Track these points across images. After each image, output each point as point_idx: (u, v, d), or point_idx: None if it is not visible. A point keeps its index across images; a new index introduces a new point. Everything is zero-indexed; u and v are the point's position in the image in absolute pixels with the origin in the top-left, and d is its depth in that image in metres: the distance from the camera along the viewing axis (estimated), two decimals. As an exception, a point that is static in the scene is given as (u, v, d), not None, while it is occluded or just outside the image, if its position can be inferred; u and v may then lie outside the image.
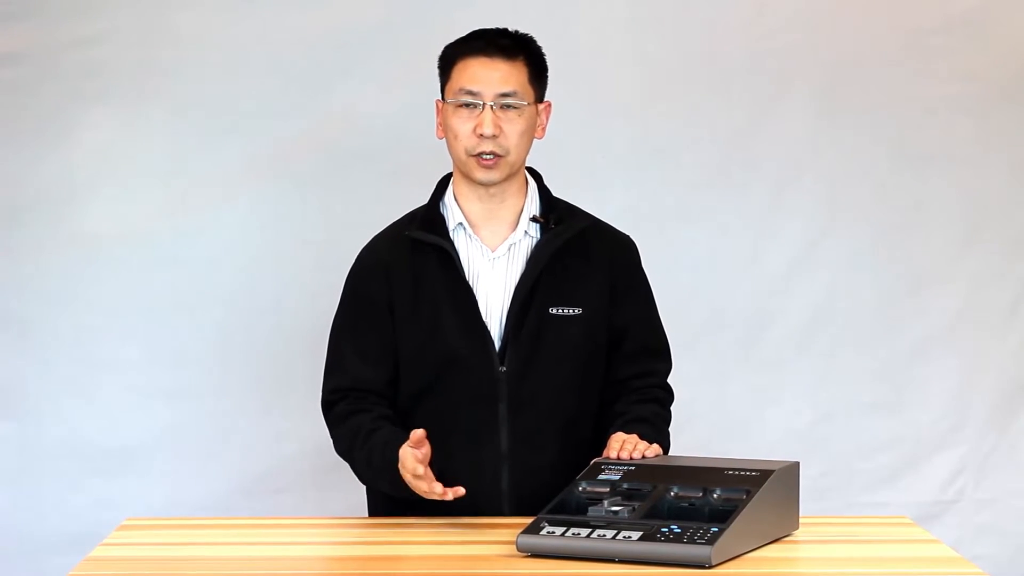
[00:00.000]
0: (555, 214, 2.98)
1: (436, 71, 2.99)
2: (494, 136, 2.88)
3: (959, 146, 4.24)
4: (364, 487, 3.07)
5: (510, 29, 2.96)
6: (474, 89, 2.89)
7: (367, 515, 3.04)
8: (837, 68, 4.20)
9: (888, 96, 4.22)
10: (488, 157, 2.89)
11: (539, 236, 2.97)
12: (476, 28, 2.98)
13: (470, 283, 2.92)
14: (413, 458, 2.71)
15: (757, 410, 4.24)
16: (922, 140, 4.23)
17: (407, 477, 2.74)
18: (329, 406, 2.99)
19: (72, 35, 4.07)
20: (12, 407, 4.11)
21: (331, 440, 3.01)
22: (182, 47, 4.09)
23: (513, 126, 2.90)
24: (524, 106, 2.91)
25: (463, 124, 2.90)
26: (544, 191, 3.02)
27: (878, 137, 4.23)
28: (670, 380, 3.07)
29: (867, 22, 4.20)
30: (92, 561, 2.55)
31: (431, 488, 2.70)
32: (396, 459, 2.77)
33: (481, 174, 2.91)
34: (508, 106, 2.89)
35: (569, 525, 2.52)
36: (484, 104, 2.88)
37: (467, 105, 2.89)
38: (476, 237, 2.96)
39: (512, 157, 2.92)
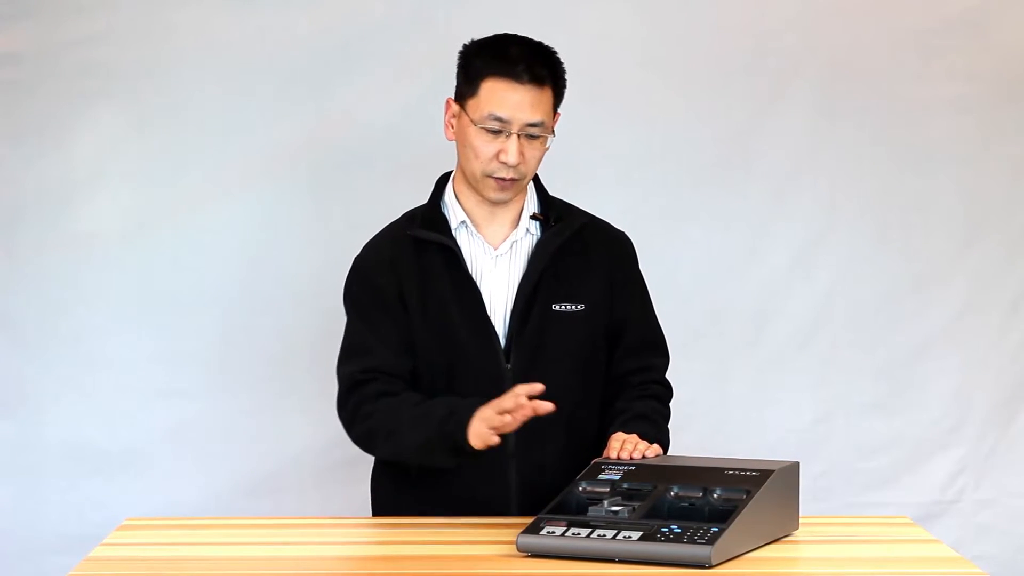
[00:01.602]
0: (553, 212, 2.99)
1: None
2: (516, 164, 2.88)
3: (959, 146, 4.24)
4: (365, 488, 3.08)
5: (534, 40, 2.92)
6: (504, 117, 2.86)
7: (371, 515, 3.04)
8: (837, 68, 4.20)
9: (888, 96, 4.22)
10: (506, 180, 2.89)
11: (539, 234, 2.97)
12: (490, 29, 2.94)
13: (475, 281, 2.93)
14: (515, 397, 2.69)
15: (757, 410, 4.24)
16: (922, 140, 4.23)
17: (495, 408, 2.70)
18: (358, 384, 2.90)
19: (72, 35, 4.07)
20: (12, 407, 4.11)
21: (350, 418, 2.91)
22: (182, 47, 4.09)
23: (534, 152, 2.90)
24: (547, 135, 2.91)
25: (487, 146, 2.87)
26: (541, 189, 3.03)
27: (878, 137, 4.23)
28: (670, 378, 3.07)
29: (867, 22, 4.20)
30: (92, 561, 2.55)
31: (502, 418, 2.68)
32: (472, 403, 2.76)
33: (495, 195, 2.91)
34: (533, 136, 2.89)
35: (569, 525, 2.52)
36: (511, 133, 2.86)
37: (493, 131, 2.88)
38: (479, 235, 2.96)
39: (526, 180, 2.93)
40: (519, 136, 2.86)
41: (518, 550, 2.52)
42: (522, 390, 2.69)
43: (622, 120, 4.18)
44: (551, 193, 3.04)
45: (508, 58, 2.87)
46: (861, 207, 4.24)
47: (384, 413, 2.86)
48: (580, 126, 4.04)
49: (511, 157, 2.85)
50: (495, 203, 2.93)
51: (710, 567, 2.41)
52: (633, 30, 4.18)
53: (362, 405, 2.89)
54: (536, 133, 2.88)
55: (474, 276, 2.93)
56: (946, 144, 4.23)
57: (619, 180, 4.17)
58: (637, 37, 4.18)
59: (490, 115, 2.86)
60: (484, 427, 2.71)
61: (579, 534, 2.49)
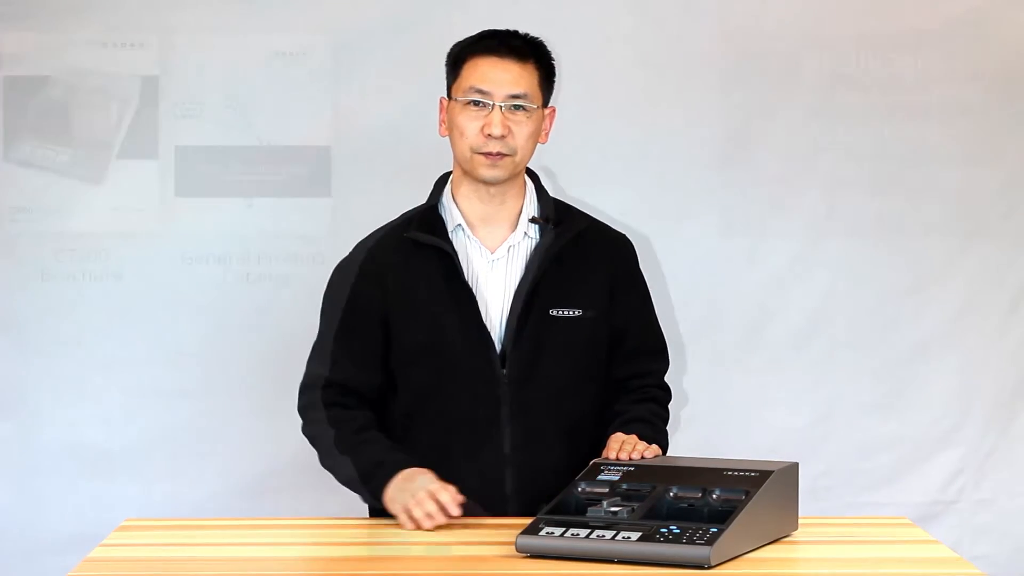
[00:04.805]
0: (554, 215, 2.98)
1: (436, 72, 2.99)
2: (502, 136, 2.88)
3: (959, 146, 4.24)
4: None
5: (521, 31, 2.96)
6: (485, 88, 2.88)
7: (367, 515, 3.04)
8: (837, 68, 4.20)
9: (888, 96, 4.22)
10: (494, 155, 2.89)
11: (538, 237, 2.96)
12: (484, 28, 2.97)
13: (470, 285, 2.92)
14: (452, 497, 2.71)
15: (757, 410, 4.24)
16: (922, 140, 4.23)
17: (430, 489, 2.72)
18: (308, 388, 2.97)
19: (72, 35, 4.07)
20: (12, 407, 4.11)
21: (300, 413, 2.98)
22: (182, 47, 4.09)
23: (521, 128, 2.89)
24: (534, 109, 2.90)
25: (471, 122, 2.89)
26: (542, 192, 3.02)
27: (878, 137, 4.23)
28: (668, 379, 3.07)
29: (867, 22, 4.20)
30: (92, 561, 2.55)
31: (428, 511, 2.71)
32: (401, 462, 2.79)
33: (486, 171, 2.90)
34: (518, 107, 2.89)
35: (568, 526, 2.52)
36: (494, 104, 2.88)
37: (476, 104, 2.89)
38: (475, 238, 2.95)
39: (518, 158, 2.92)
40: (502, 108, 2.87)
41: (517, 551, 2.52)
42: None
43: (622, 120, 4.18)
44: (555, 195, 3.04)
45: (487, 37, 2.93)
46: (860, 207, 4.24)
47: (325, 426, 2.91)
48: (580, 126, 4.06)
49: (495, 128, 2.86)
50: (490, 183, 2.92)
51: (709, 567, 2.41)
52: (633, 30, 4.18)
53: (311, 408, 2.95)
54: (520, 104, 2.88)
55: (470, 280, 2.92)
56: (946, 144, 4.23)
57: (619, 180, 4.17)
58: (637, 37, 4.18)
59: (471, 88, 2.88)
60: (412, 503, 2.73)
61: (578, 535, 2.49)
